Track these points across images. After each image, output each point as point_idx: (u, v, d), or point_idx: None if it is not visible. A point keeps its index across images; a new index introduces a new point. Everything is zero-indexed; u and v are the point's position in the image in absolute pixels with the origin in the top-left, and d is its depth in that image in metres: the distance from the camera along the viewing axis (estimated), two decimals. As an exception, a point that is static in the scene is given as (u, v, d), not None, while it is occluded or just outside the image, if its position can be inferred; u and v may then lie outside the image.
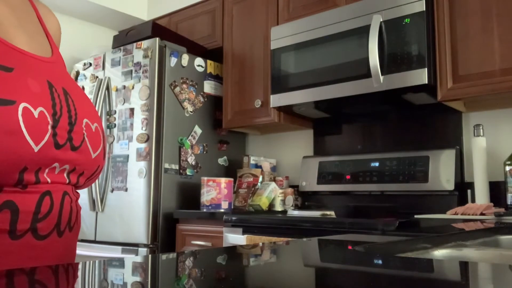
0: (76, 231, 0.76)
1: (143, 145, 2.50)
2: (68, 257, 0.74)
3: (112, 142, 2.64)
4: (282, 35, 2.43)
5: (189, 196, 2.62)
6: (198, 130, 2.73)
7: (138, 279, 0.50)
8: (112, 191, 2.59)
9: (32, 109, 0.63)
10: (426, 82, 1.93)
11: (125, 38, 2.78)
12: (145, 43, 2.60)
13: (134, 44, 2.65)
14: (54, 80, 0.71)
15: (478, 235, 1.06)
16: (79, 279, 0.49)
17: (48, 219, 0.67)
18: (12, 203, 0.63)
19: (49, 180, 0.67)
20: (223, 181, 2.48)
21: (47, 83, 0.69)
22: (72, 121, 0.70)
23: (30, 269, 0.53)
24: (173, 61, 2.62)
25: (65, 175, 0.70)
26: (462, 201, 2.11)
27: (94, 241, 2.61)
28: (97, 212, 2.62)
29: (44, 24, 0.83)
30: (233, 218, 2.07)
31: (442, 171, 2.11)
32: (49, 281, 0.48)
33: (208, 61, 2.83)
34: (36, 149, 0.63)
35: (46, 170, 0.66)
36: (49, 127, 0.65)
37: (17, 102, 0.61)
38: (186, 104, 2.67)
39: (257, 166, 2.76)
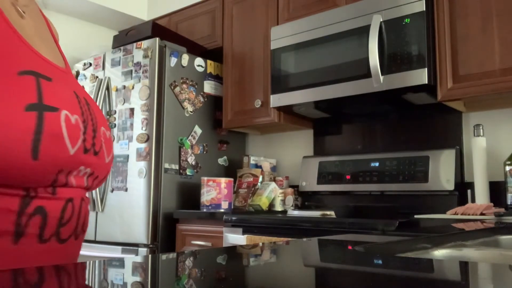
0: (85, 232, 0.82)
1: (143, 145, 2.50)
2: (77, 256, 0.80)
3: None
4: (282, 35, 2.43)
5: (189, 196, 2.62)
6: (198, 130, 2.73)
7: (138, 279, 0.50)
8: (112, 191, 2.59)
9: (70, 116, 0.69)
10: (426, 82, 1.93)
11: (125, 38, 2.78)
12: (145, 43, 2.59)
13: (134, 44, 2.65)
14: (77, 91, 0.76)
15: (478, 235, 1.06)
16: (79, 279, 0.49)
17: (69, 224, 0.73)
18: (42, 208, 0.67)
19: (74, 183, 0.72)
20: (223, 181, 2.48)
21: (74, 94, 0.74)
22: (94, 128, 0.76)
23: (29, 269, 0.53)
24: (173, 61, 2.62)
25: (85, 178, 0.75)
26: (462, 201, 2.11)
27: (94, 241, 2.61)
28: (97, 212, 2.62)
29: (53, 34, 0.86)
30: (233, 218, 2.07)
31: (442, 171, 2.11)
32: (49, 281, 0.48)
33: (208, 61, 2.83)
34: (72, 152, 0.68)
35: (74, 173, 0.71)
36: (81, 133, 0.71)
37: (60, 109, 0.67)
38: (186, 104, 2.67)
39: (257, 166, 2.76)
